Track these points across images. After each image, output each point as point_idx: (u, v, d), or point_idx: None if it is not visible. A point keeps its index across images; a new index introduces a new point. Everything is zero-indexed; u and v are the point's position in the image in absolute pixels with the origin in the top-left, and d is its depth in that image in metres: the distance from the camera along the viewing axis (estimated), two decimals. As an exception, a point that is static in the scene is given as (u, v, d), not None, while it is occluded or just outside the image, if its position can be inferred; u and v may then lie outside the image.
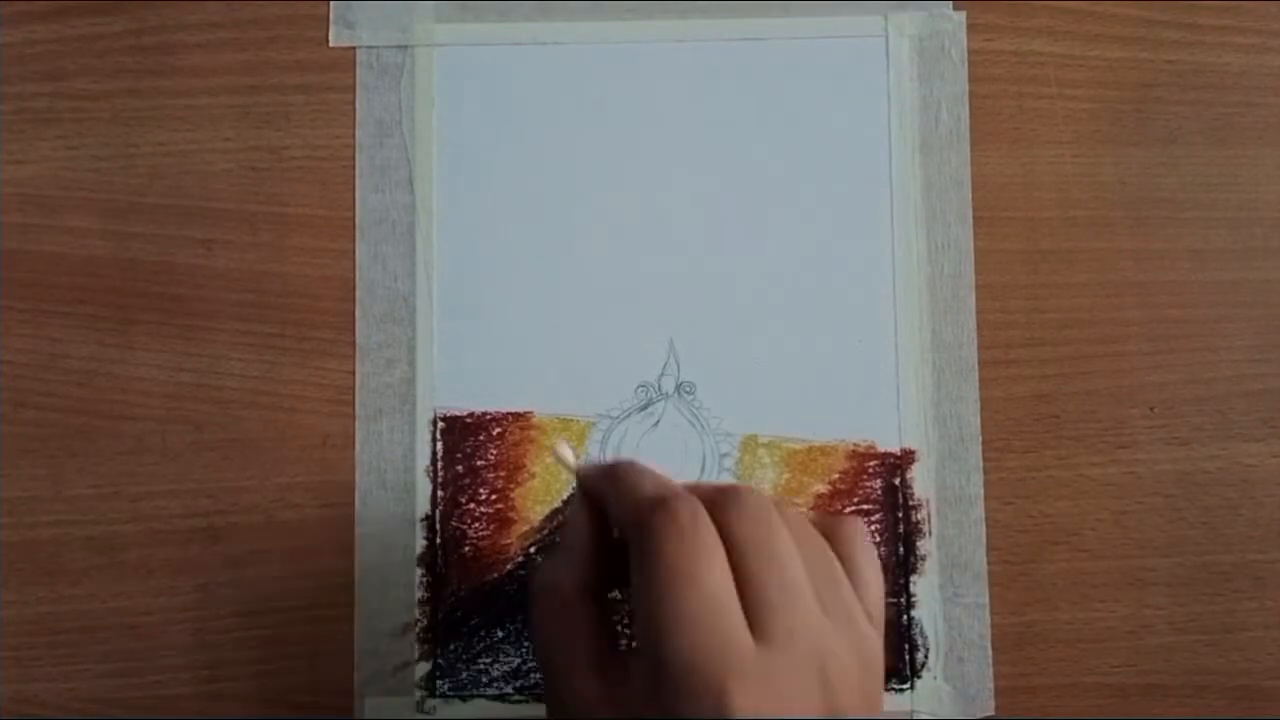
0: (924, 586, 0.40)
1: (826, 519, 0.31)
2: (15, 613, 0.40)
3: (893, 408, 0.40)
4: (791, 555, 0.28)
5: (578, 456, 0.36)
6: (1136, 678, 0.39)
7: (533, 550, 0.39)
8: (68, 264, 0.41)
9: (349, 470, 0.40)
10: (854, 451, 0.40)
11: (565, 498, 0.40)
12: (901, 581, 0.40)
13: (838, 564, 0.29)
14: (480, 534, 0.40)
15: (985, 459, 0.40)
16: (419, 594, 0.39)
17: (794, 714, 0.26)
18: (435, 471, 0.40)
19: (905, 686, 0.39)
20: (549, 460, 0.40)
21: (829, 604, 0.28)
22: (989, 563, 0.40)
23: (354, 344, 0.40)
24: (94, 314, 0.40)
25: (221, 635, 0.39)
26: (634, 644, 0.28)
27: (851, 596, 0.29)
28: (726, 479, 0.40)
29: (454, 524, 0.40)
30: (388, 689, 0.39)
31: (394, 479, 0.40)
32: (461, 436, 0.40)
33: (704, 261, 0.41)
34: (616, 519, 0.30)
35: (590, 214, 0.41)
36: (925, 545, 0.40)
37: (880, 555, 0.40)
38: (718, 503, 0.28)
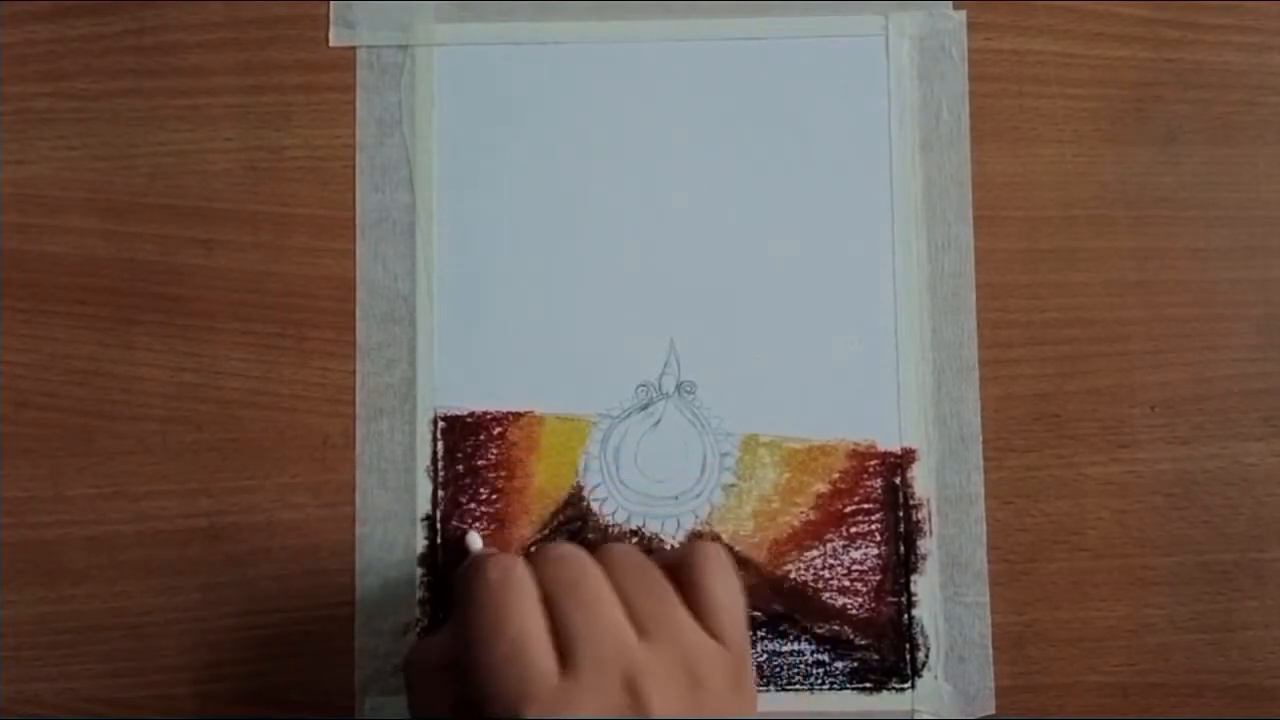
0: (924, 586, 0.40)
1: (682, 548, 0.34)
2: (16, 613, 0.40)
3: (893, 407, 0.40)
4: (598, 588, 0.31)
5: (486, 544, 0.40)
6: (1137, 677, 0.39)
7: (533, 550, 0.39)
8: (68, 264, 0.41)
9: (349, 470, 0.40)
10: (854, 451, 0.40)
11: (566, 498, 0.40)
12: (902, 581, 0.40)
13: (664, 587, 0.32)
14: (480, 534, 0.40)
15: (986, 458, 0.40)
16: (419, 593, 0.39)
17: None
18: (435, 471, 0.40)
19: (906, 686, 0.39)
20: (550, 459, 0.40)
21: (649, 625, 0.31)
22: (989, 562, 0.40)
23: (354, 344, 0.40)
24: (94, 314, 0.40)
25: (222, 635, 0.39)
26: None
27: (681, 616, 0.31)
28: (727, 478, 0.40)
29: (454, 524, 0.40)
30: (388, 688, 0.39)
31: (394, 479, 0.40)
32: (462, 436, 0.40)
33: (704, 261, 0.41)
34: (456, 591, 0.33)
35: (590, 213, 0.41)
36: (926, 544, 0.40)
37: (880, 554, 0.40)
38: (533, 558, 0.32)
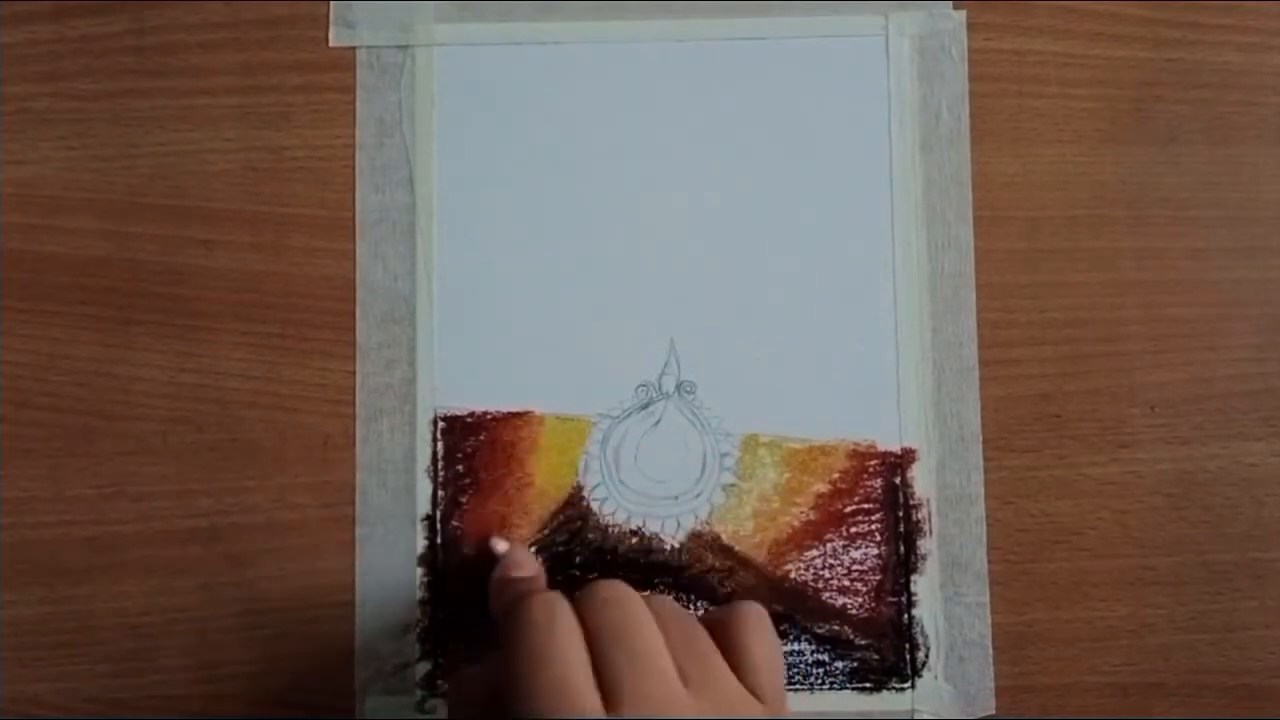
0: (924, 586, 0.40)
1: (724, 608, 0.34)
2: (16, 613, 0.40)
3: (893, 407, 0.40)
4: (646, 633, 0.31)
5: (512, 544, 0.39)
6: (1137, 677, 0.39)
7: (533, 549, 0.39)
8: (68, 264, 0.41)
9: (349, 470, 0.40)
10: (854, 451, 0.40)
11: (566, 498, 0.40)
12: (902, 581, 0.40)
13: (709, 642, 0.32)
14: (480, 534, 0.40)
15: (986, 458, 0.40)
16: (419, 594, 0.39)
17: None
18: (435, 471, 0.40)
19: (906, 686, 0.39)
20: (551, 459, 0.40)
21: (692, 676, 0.31)
22: (989, 562, 0.40)
23: (354, 344, 0.40)
24: (94, 314, 0.40)
25: (222, 635, 0.39)
26: None
27: (722, 670, 0.32)
28: (727, 478, 0.40)
29: (454, 524, 0.40)
30: (388, 688, 0.39)
31: (394, 479, 0.40)
32: (462, 436, 0.40)
33: (704, 261, 0.41)
34: (497, 621, 0.34)
35: (591, 213, 0.41)
36: (926, 544, 0.40)
37: (880, 554, 0.40)
38: (580, 596, 0.32)
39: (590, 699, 0.30)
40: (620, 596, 0.32)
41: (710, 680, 0.31)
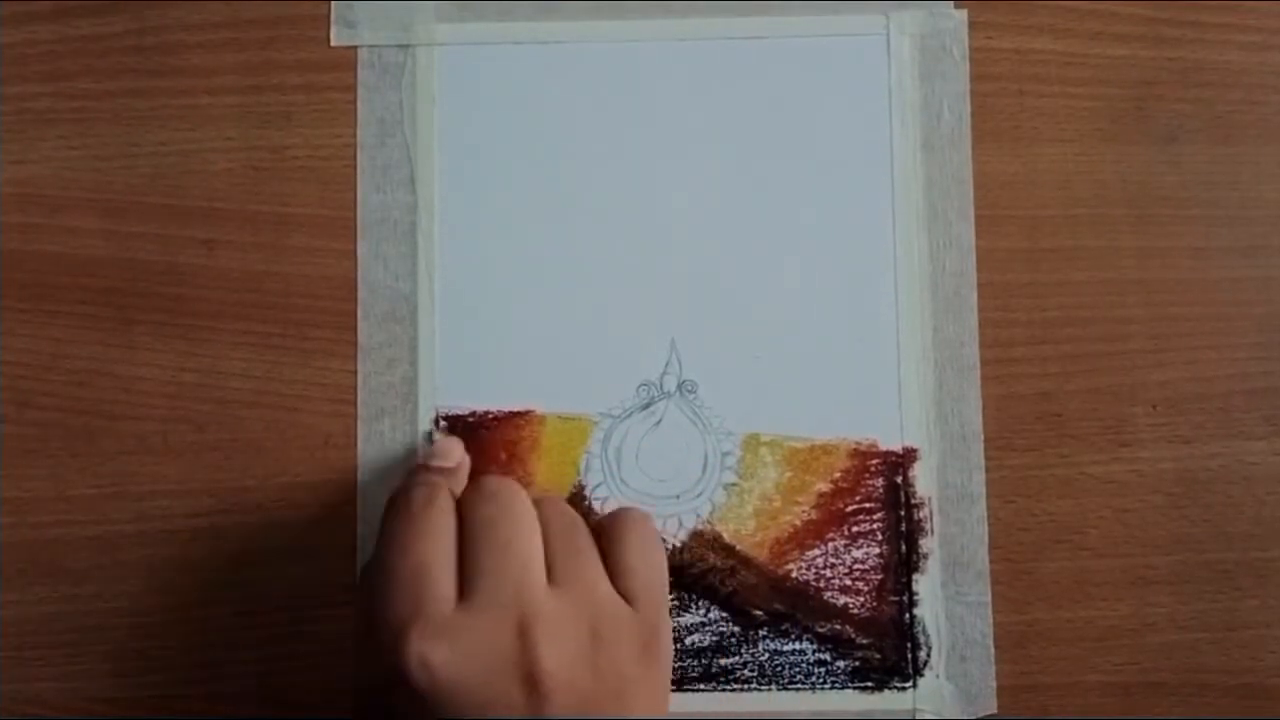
0: (926, 585, 0.40)
1: (608, 514, 0.34)
2: (17, 612, 0.40)
3: (894, 406, 0.40)
4: (516, 530, 0.31)
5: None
6: (1139, 676, 0.39)
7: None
8: (69, 264, 0.41)
9: (350, 469, 0.40)
10: (856, 450, 0.40)
11: (567, 498, 0.40)
12: (903, 580, 0.40)
13: (589, 545, 0.32)
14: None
15: (987, 457, 0.40)
16: (421, 593, 0.39)
17: (477, 662, 0.29)
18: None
19: (907, 685, 0.39)
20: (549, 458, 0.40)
21: (561, 576, 0.31)
22: (991, 561, 0.40)
23: (355, 343, 0.40)
24: (95, 314, 0.40)
25: (223, 634, 0.39)
26: None
27: (597, 574, 0.31)
28: (729, 477, 0.40)
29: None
30: (390, 688, 0.39)
31: (396, 478, 0.40)
32: (463, 435, 0.40)
33: (705, 260, 0.41)
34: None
35: (592, 213, 0.41)
36: (927, 544, 0.40)
37: (881, 554, 0.40)
38: (465, 490, 0.33)
39: (445, 587, 0.30)
40: (501, 489, 0.32)
41: (578, 579, 0.31)
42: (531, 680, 0.29)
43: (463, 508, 0.32)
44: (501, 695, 0.29)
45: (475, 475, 0.36)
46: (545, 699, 0.29)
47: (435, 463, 0.35)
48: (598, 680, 0.30)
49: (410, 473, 0.35)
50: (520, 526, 0.31)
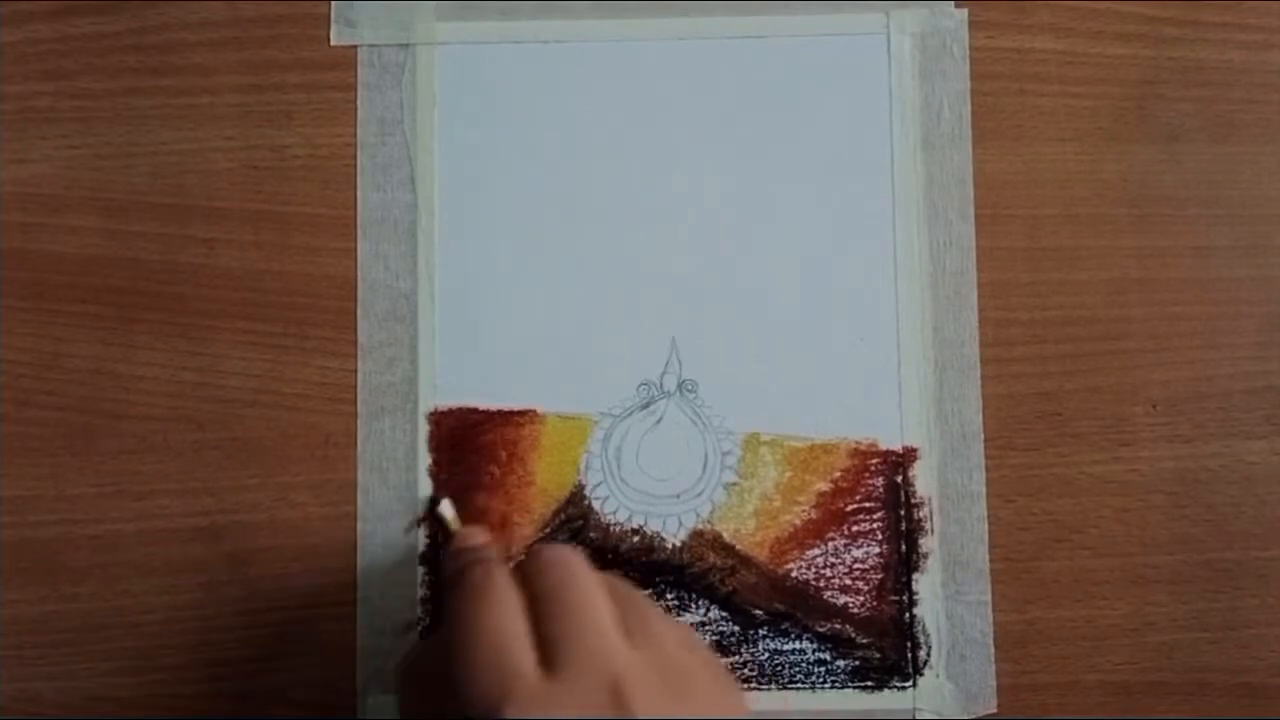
0: (926, 584, 0.40)
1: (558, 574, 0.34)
2: (17, 612, 0.40)
3: (895, 405, 0.40)
4: (586, 593, 0.31)
5: (456, 516, 0.39)
6: (1139, 675, 0.39)
7: (528, 552, 0.39)
8: (70, 263, 0.41)
9: (351, 469, 0.40)
10: (856, 449, 0.40)
11: (567, 497, 0.40)
12: (903, 579, 0.40)
13: (646, 601, 0.33)
14: (480, 530, 0.39)
15: (987, 456, 0.40)
16: (421, 592, 0.39)
17: None
18: (437, 470, 0.40)
19: (908, 684, 0.39)
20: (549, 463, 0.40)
21: (635, 632, 0.31)
22: (991, 560, 0.40)
23: (356, 342, 0.40)
24: (96, 313, 0.40)
25: (223, 634, 0.39)
26: None
27: (662, 624, 0.32)
28: (729, 477, 0.40)
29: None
30: (389, 688, 0.39)
31: (396, 477, 0.40)
32: (463, 435, 0.40)
33: (706, 259, 0.41)
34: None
35: (592, 212, 0.41)
36: (927, 543, 0.40)
37: (881, 553, 0.40)
38: (522, 562, 0.33)
39: (525, 659, 0.30)
40: (561, 558, 0.32)
41: (654, 636, 0.31)
42: None
43: (525, 580, 0.32)
44: None
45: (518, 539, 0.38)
46: None
47: (471, 542, 0.36)
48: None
49: (452, 555, 0.36)
50: (590, 589, 0.31)
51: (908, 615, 0.39)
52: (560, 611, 0.31)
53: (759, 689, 0.39)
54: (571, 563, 0.32)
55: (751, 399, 0.40)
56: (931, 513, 0.40)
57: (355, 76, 0.41)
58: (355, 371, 0.40)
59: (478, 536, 0.37)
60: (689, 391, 0.40)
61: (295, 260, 0.41)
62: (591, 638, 0.30)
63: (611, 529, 0.40)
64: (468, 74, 0.41)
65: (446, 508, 0.39)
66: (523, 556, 0.33)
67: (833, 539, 0.40)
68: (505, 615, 0.31)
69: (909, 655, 0.39)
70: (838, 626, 0.39)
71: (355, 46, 0.41)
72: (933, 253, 0.41)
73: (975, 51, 0.41)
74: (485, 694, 0.29)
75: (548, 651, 0.30)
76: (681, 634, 0.32)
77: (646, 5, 0.41)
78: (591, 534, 0.40)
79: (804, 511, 0.40)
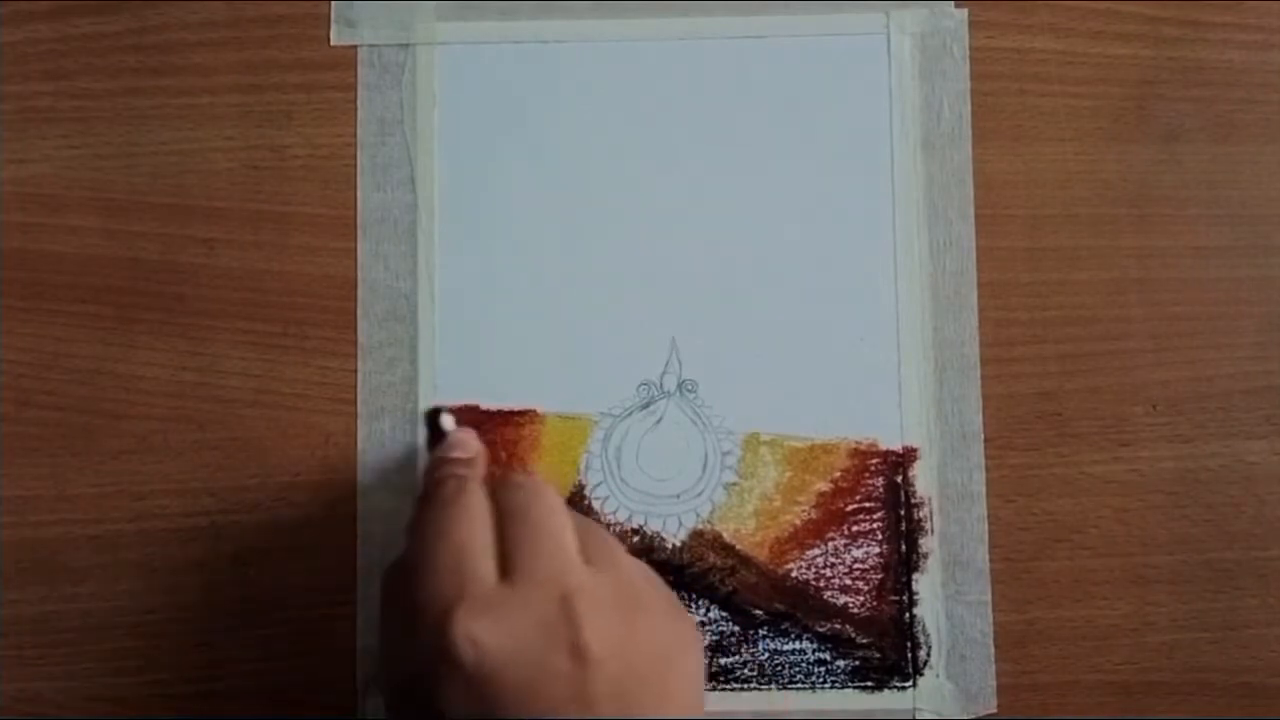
0: (926, 584, 0.40)
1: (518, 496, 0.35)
2: (17, 611, 0.40)
3: (894, 405, 0.40)
4: (551, 512, 0.32)
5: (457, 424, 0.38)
6: (1139, 675, 0.39)
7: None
8: (70, 263, 0.41)
9: (351, 469, 0.40)
10: (856, 449, 0.40)
11: (567, 497, 0.40)
12: (903, 579, 0.40)
13: (611, 536, 0.33)
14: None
15: (987, 456, 0.40)
16: (421, 592, 0.39)
17: (523, 636, 0.29)
18: (437, 470, 0.40)
19: (908, 684, 0.39)
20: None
21: (594, 559, 0.31)
22: (991, 560, 0.40)
23: (356, 342, 0.40)
24: (96, 313, 0.40)
25: (223, 634, 0.39)
26: None
27: (620, 549, 0.32)
28: (729, 477, 0.40)
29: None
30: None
31: (396, 477, 0.40)
32: (463, 435, 0.40)
33: (706, 259, 0.41)
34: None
35: (592, 212, 0.41)
36: (927, 543, 0.40)
37: (881, 553, 0.40)
38: (494, 483, 0.33)
39: (484, 565, 0.30)
40: (532, 482, 0.33)
41: (608, 555, 0.32)
42: (577, 650, 0.29)
43: (494, 498, 0.33)
44: (548, 667, 0.29)
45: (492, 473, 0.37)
46: (592, 667, 0.29)
47: (456, 454, 0.36)
48: (639, 646, 0.31)
49: (432, 466, 0.36)
50: (553, 509, 0.32)
51: (908, 615, 0.39)
52: (523, 526, 0.31)
53: (759, 689, 0.39)
54: (541, 486, 0.33)
55: (751, 399, 0.40)
56: (931, 513, 0.40)
57: (355, 76, 0.41)
58: (355, 371, 0.40)
59: (469, 447, 0.36)
60: (689, 391, 0.40)
61: (295, 260, 0.41)
62: (550, 552, 0.31)
63: (611, 529, 0.40)
64: (468, 74, 0.41)
65: (448, 420, 0.37)
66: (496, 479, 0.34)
67: (833, 539, 0.40)
68: (471, 526, 0.31)
69: (909, 655, 0.39)
70: (838, 626, 0.39)
71: (355, 46, 0.41)
72: (933, 253, 0.41)
73: (975, 51, 0.41)
74: (441, 594, 0.30)
75: (507, 563, 0.31)
76: (641, 567, 0.33)
77: (646, 5, 0.41)
78: (591, 534, 0.40)
79: (804, 511, 0.40)
